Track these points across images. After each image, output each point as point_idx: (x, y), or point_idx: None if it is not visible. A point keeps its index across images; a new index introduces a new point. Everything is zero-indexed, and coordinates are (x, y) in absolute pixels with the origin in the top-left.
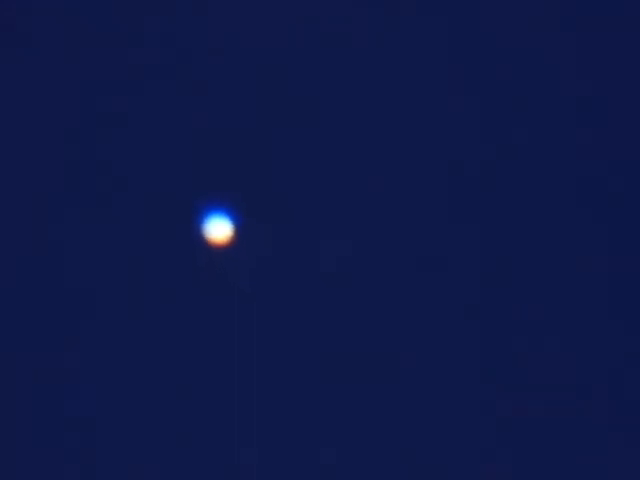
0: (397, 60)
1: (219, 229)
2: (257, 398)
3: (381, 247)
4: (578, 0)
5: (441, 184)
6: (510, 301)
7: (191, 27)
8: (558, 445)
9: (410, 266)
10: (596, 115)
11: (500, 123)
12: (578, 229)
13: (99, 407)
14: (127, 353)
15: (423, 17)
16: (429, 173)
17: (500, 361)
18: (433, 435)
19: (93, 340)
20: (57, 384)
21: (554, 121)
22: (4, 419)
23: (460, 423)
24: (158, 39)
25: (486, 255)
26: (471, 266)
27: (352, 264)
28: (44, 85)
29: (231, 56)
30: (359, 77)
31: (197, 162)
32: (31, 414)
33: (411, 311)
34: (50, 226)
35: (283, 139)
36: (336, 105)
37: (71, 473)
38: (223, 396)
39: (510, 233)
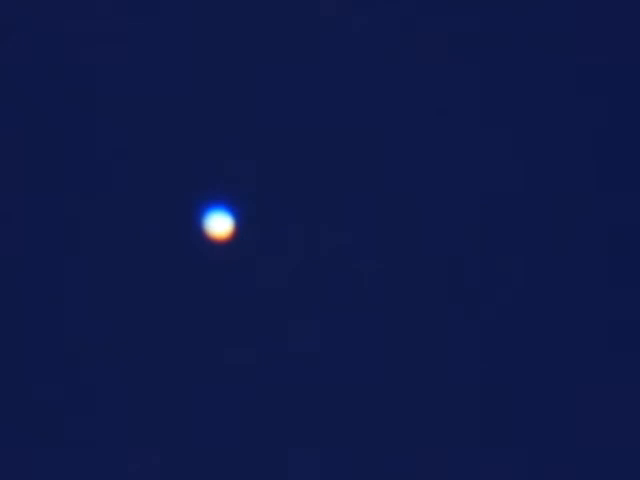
0: (395, 59)
1: (219, 224)
2: (256, 397)
3: (381, 241)
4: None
5: (441, 185)
6: (509, 302)
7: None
8: (555, 445)
9: (410, 262)
10: (596, 116)
11: (500, 118)
12: (576, 229)
13: (96, 406)
14: (126, 351)
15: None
16: (428, 173)
17: (499, 361)
18: (432, 435)
19: (92, 338)
20: (56, 382)
21: (554, 121)
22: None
23: (458, 422)
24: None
25: (486, 253)
26: (470, 264)
27: (352, 258)
28: (39, 82)
29: (229, 54)
30: (360, 79)
31: (196, 158)
32: (22, 407)
33: (411, 306)
34: (49, 222)
35: (283, 133)
36: (335, 98)
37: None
38: (221, 395)
39: (511, 234)
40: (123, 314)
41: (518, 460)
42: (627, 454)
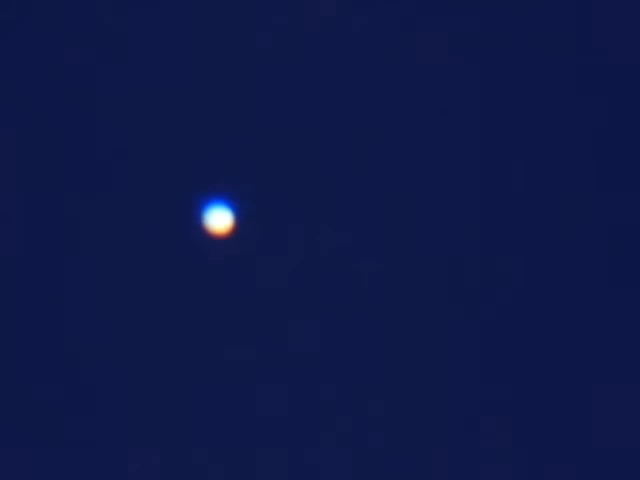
0: (395, 59)
1: (218, 220)
2: (254, 395)
3: (381, 241)
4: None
5: (441, 185)
6: (510, 302)
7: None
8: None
9: (410, 263)
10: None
11: (500, 118)
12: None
13: (96, 406)
14: (125, 349)
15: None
16: (428, 173)
17: (499, 361)
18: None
19: (92, 337)
20: (56, 382)
21: (554, 121)
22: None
23: (458, 421)
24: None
25: (486, 253)
26: (470, 265)
27: (352, 258)
28: (39, 82)
29: (229, 53)
30: (360, 79)
31: (196, 154)
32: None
33: (411, 307)
34: (47, 217)
35: (283, 131)
36: (335, 97)
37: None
38: (218, 394)
39: (512, 235)
40: (123, 311)
41: (519, 461)
42: (628, 454)
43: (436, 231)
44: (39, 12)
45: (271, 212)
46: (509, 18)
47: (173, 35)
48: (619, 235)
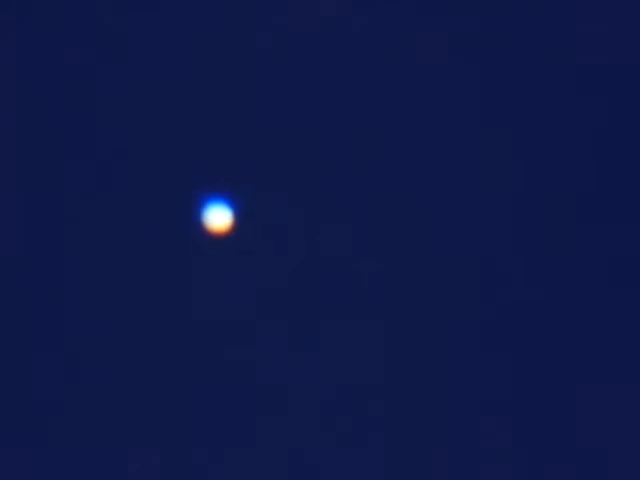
0: (395, 59)
1: (218, 218)
2: (255, 394)
3: (382, 238)
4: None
5: (441, 185)
6: (510, 302)
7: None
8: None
9: (410, 263)
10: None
11: (500, 118)
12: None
13: (96, 406)
14: (125, 347)
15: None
16: (428, 172)
17: (500, 361)
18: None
19: (92, 336)
20: (56, 382)
21: (554, 121)
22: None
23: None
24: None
25: (486, 253)
26: (470, 265)
27: (352, 258)
28: (39, 82)
29: (229, 53)
30: (360, 79)
31: (196, 152)
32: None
33: (411, 306)
34: (47, 217)
35: (283, 131)
36: (336, 97)
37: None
38: (218, 392)
39: (512, 235)
40: (122, 310)
41: (519, 461)
42: (627, 454)
43: (436, 231)
44: (39, 12)
45: (271, 211)
46: (509, 18)
47: (173, 35)
48: (619, 235)
